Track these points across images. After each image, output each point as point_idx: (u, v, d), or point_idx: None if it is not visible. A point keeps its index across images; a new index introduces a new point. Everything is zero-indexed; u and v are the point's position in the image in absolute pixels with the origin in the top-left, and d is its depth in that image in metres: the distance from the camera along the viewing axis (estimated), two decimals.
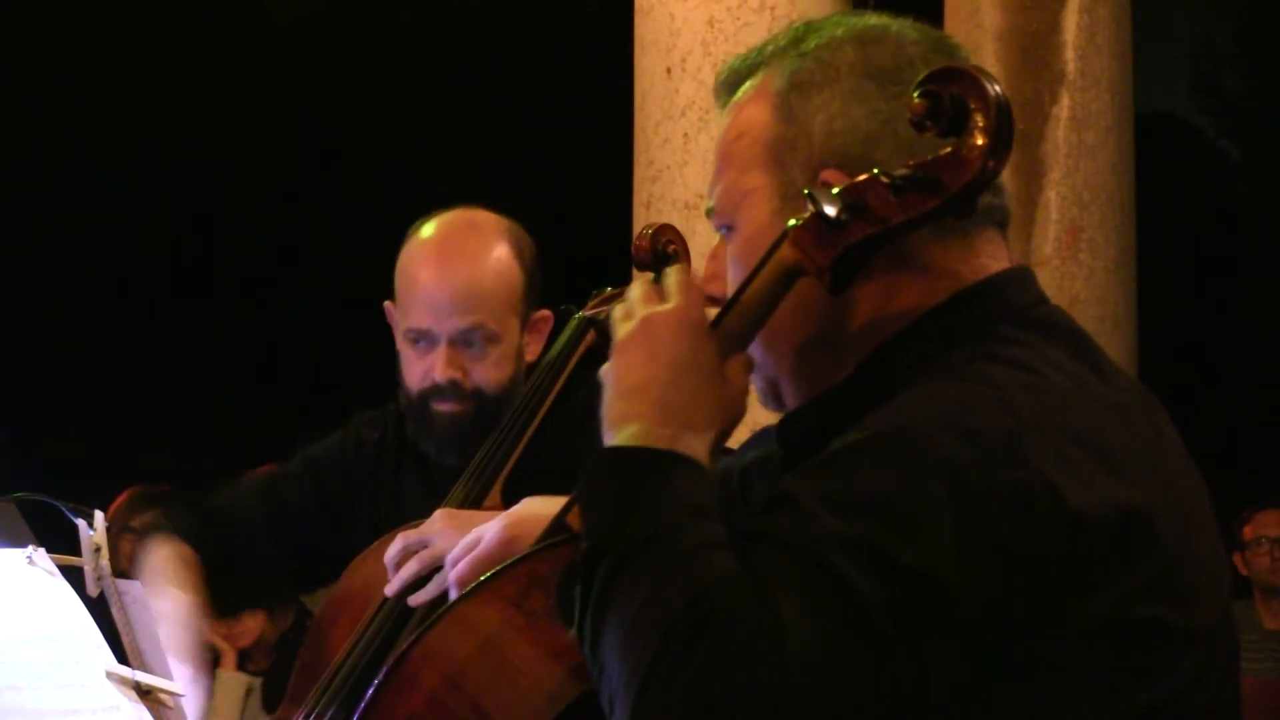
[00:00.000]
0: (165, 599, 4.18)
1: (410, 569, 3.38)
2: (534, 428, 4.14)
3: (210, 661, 9.42)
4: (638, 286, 2.59)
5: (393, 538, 3.54)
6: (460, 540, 3.05)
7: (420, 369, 4.25)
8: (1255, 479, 8.33)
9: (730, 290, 2.60)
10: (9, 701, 3.45)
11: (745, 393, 2.57)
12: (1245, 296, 14.60)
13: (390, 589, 3.61)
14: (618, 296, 3.76)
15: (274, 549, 4.59)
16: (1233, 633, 2.60)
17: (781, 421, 2.67)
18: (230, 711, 8.78)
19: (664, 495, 2.36)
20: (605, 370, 2.58)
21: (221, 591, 4.50)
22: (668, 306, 2.55)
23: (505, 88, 16.94)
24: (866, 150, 2.52)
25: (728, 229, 2.68)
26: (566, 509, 2.81)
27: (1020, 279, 2.61)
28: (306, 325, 18.54)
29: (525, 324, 4.30)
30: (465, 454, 4.23)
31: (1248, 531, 8.38)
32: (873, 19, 2.69)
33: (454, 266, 4.26)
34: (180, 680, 3.76)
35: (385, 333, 4.43)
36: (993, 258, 2.59)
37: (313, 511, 4.50)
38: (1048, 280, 8.86)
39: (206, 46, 19.60)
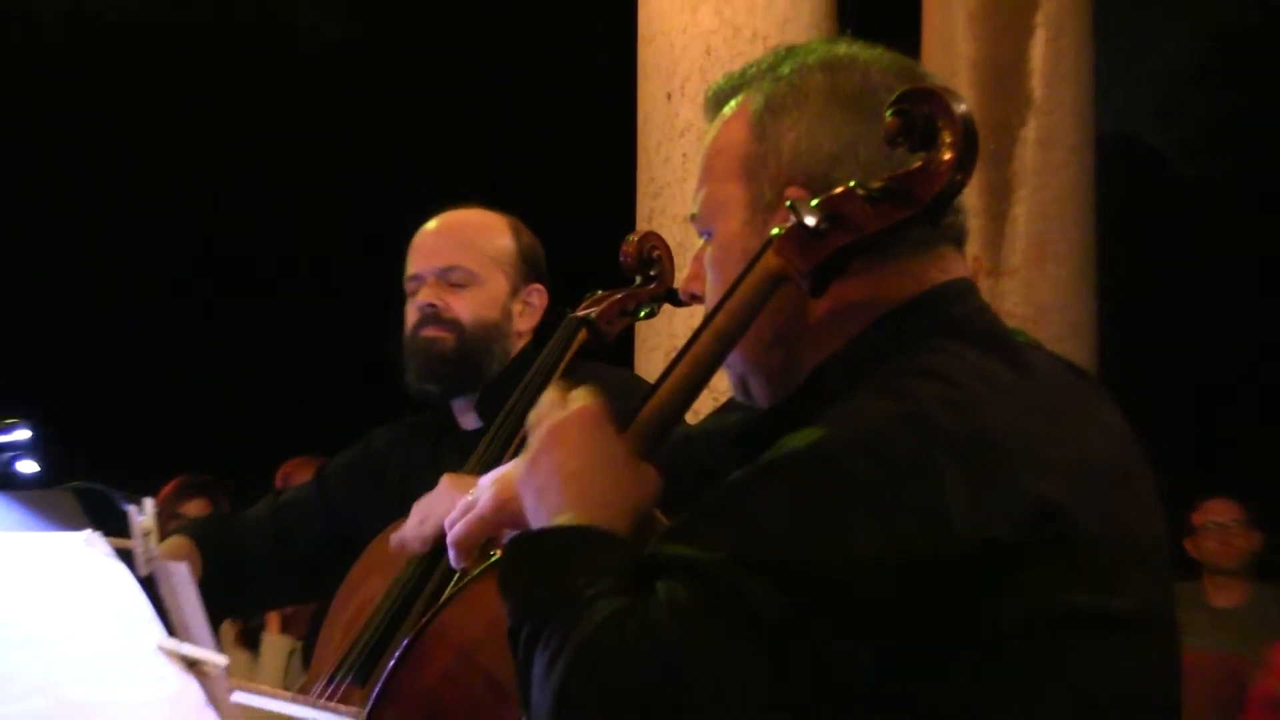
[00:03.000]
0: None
1: (424, 528, 3.36)
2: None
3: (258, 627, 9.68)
4: (547, 395, 2.68)
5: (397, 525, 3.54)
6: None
7: (413, 310, 4.34)
8: (1208, 471, 8.30)
9: (710, 292, 2.65)
10: (69, 668, 3.48)
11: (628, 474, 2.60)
12: (1198, 302, 14.56)
13: (402, 546, 3.61)
14: (607, 298, 3.78)
15: (276, 563, 4.62)
16: (1169, 609, 2.61)
17: (741, 426, 2.72)
18: (276, 671, 8.86)
19: (565, 567, 2.41)
20: (519, 468, 2.68)
21: (223, 592, 4.54)
22: (565, 413, 2.63)
23: (518, 109, 16.75)
24: (828, 170, 2.54)
25: (707, 234, 2.71)
26: None
27: (956, 291, 2.61)
28: (330, 337, 18.26)
29: (516, 291, 4.33)
30: (444, 382, 4.32)
31: (1197, 518, 8.38)
32: (845, 48, 2.71)
33: (444, 220, 4.39)
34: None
35: None
36: (944, 271, 2.60)
37: (320, 531, 4.51)
38: (1016, 289, 8.98)
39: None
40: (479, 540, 2.91)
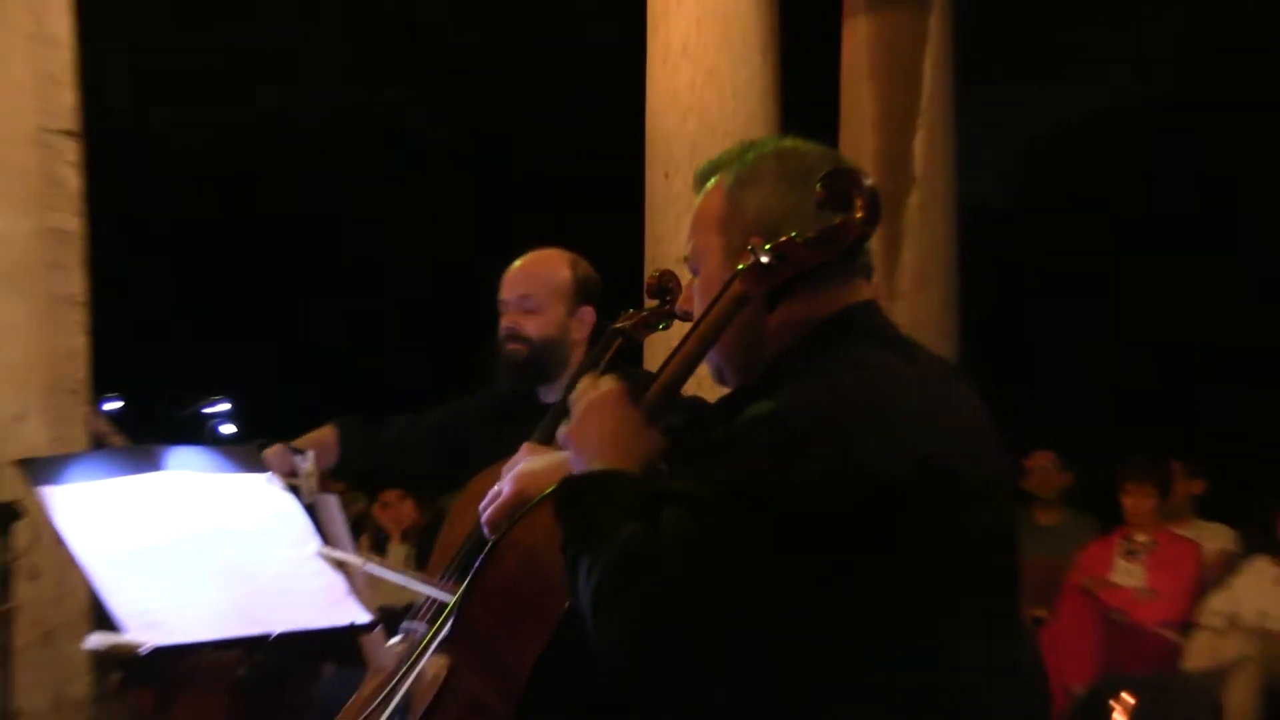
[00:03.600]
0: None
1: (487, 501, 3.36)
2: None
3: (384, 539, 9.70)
4: (587, 383, 2.72)
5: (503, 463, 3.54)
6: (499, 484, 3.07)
7: (502, 327, 4.27)
8: (1036, 430, 8.29)
9: (696, 309, 2.65)
10: (258, 555, 3.54)
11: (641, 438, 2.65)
12: (1031, 314, 14.56)
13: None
14: (637, 315, 3.79)
15: (393, 459, 4.65)
16: (1013, 522, 2.64)
17: (717, 402, 2.73)
18: (396, 570, 8.95)
19: (601, 502, 2.47)
20: (569, 430, 2.72)
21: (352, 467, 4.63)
22: (598, 392, 2.68)
23: (571, 186, 16.17)
24: (779, 226, 2.53)
25: (695, 270, 2.71)
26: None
27: (868, 308, 2.62)
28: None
29: (572, 312, 4.27)
30: (522, 381, 4.26)
31: (1028, 464, 8.38)
32: (790, 142, 2.71)
33: (524, 259, 4.30)
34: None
35: None
36: (857, 294, 2.61)
37: (440, 446, 4.51)
38: (905, 308, 8.94)
39: None
40: (504, 519, 2.95)
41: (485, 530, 3.05)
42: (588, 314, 4.25)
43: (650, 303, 3.64)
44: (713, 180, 2.70)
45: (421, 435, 4.56)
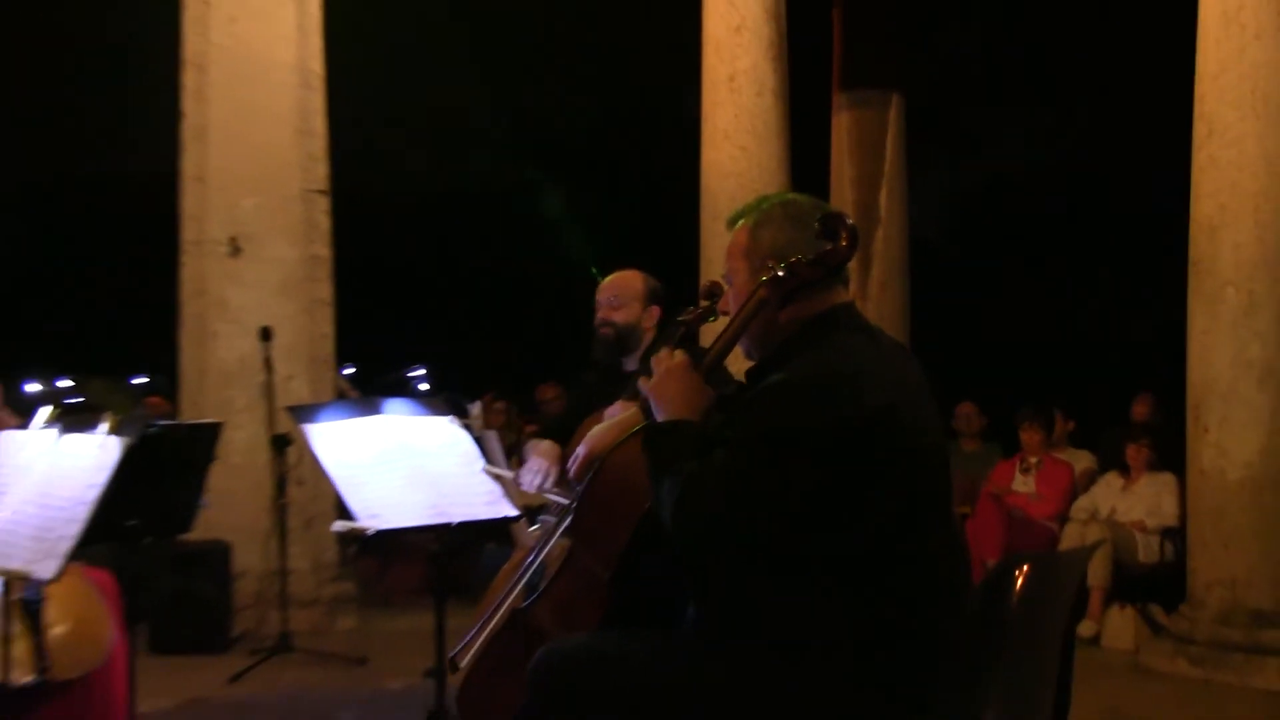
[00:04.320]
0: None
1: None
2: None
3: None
4: (663, 356, 2.63)
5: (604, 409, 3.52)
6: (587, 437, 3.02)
7: (597, 317, 4.13)
8: (960, 387, 8.21)
9: (732, 311, 2.60)
10: (447, 472, 3.52)
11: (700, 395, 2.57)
12: (960, 312, 14.47)
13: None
14: (694, 311, 3.72)
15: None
16: (945, 450, 2.58)
17: (746, 372, 2.66)
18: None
19: (681, 442, 2.44)
20: (650, 386, 2.62)
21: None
22: (670, 362, 2.60)
23: (646, 220, 15.55)
24: (785, 251, 2.50)
25: (730, 284, 2.66)
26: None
27: (848, 307, 2.57)
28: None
29: (644, 309, 4.13)
30: (608, 354, 4.13)
31: (957, 410, 8.27)
32: (792, 195, 2.67)
33: (610, 277, 4.16)
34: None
35: None
36: (840, 297, 2.56)
37: (578, 407, 4.38)
38: (873, 307, 8.79)
39: None
40: (584, 471, 2.92)
41: (571, 476, 3.00)
42: (654, 312, 4.18)
43: (703, 303, 3.57)
44: (740, 222, 2.64)
45: (572, 401, 4.40)
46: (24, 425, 3.24)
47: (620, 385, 3.86)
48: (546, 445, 3.76)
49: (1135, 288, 13.72)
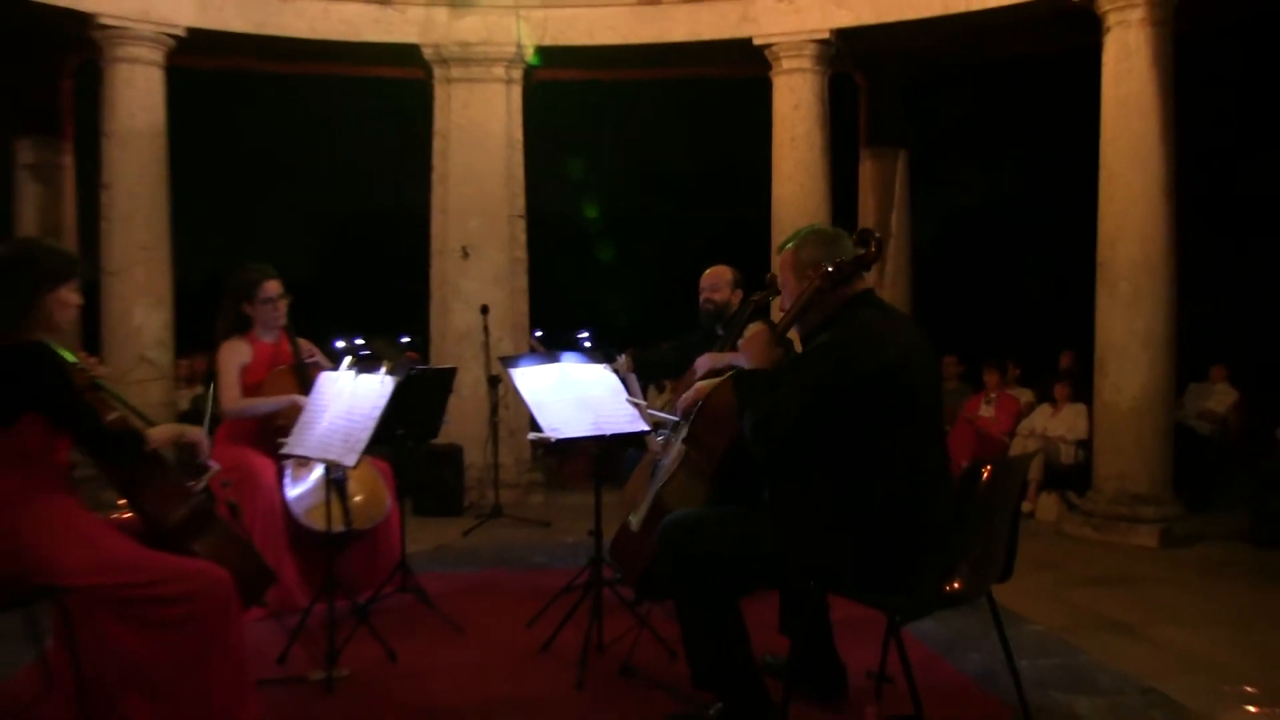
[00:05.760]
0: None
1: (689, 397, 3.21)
2: (737, 331, 3.92)
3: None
4: (753, 326, 2.58)
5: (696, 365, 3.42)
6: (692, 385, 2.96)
7: (702, 298, 4.01)
8: (947, 345, 7.95)
9: (786, 304, 2.52)
10: (604, 400, 3.49)
11: (774, 353, 2.48)
12: (946, 301, 13.98)
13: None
14: (764, 293, 3.59)
15: (676, 361, 4.30)
16: (939, 389, 2.48)
17: (802, 337, 2.59)
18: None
19: (759, 383, 2.38)
20: (742, 345, 2.53)
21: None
22: (756, 330, 2.54)
23: (738, 241, 14.82)
24: (819, 261, 2.43)
25: (783, 286, 2.58)
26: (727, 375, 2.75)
27: (870, 292, 2.47)
28: None
29: (732, 293, 3.99)
30: (710, 322, 3.98)
31: (944, 361, 7.99)
32: (821, 226, 2.57)
33: (711, 270, 4.02)
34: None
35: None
36: (864, 285, 2.47)
37: (683, 356, 4.19)
38: (889, 292, 8.19)
39: None
40: (691, 405, 2.85)
41: (679, 410, 2.91)
42: (739, 295, 4.09)
43: (768, 288, 3.49)
44: (788, 245, 2.57)
45: (678, 350, 4.31)
46: (335, 367, 3.30)
47: (712, 343, 3.81)
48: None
49: (1063, 280, 13.16)
